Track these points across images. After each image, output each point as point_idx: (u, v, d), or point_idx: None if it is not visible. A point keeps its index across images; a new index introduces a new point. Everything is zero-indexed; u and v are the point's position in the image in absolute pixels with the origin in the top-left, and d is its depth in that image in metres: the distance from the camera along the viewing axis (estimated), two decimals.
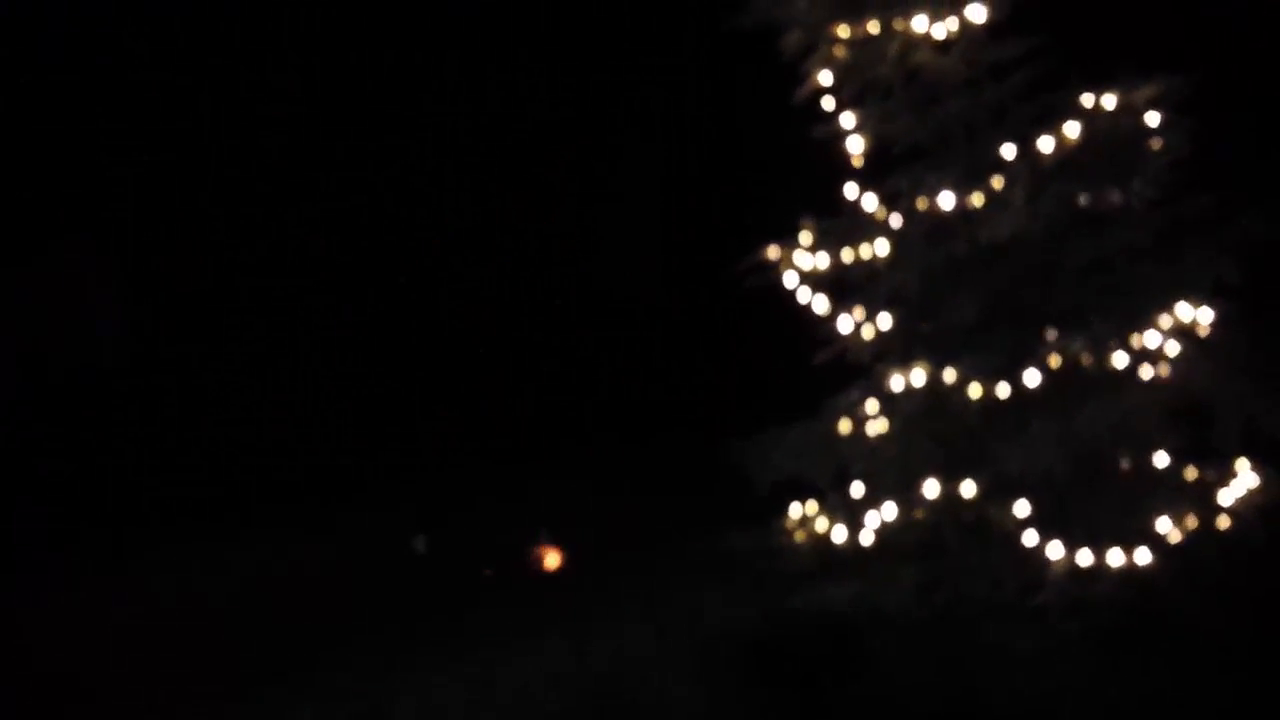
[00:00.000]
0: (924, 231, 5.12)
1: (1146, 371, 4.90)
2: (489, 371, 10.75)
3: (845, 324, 5.51)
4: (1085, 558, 4.76)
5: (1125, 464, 4.90)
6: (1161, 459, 4.97)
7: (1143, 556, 4.75)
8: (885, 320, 5.37)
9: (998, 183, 5.00)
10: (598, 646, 6.05)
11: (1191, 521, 4.86)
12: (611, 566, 7.39)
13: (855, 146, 5.40)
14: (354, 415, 10.43)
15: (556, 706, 5.35)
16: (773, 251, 5.52)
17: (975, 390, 4.85)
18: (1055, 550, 4.79)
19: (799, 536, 5.46)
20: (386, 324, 10.43)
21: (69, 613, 7.33)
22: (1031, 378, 4.77)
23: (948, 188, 5.04)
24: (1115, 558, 4.74)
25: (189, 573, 8.00)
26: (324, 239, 10.19)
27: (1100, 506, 4.85)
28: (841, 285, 5.56)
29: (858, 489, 5.34)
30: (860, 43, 5.29)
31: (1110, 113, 5.00)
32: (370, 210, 10.29)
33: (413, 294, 10.56)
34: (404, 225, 10.45)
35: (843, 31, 5.28)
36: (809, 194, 5.58)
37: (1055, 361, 4.77)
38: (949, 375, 4.88)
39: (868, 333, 5.41)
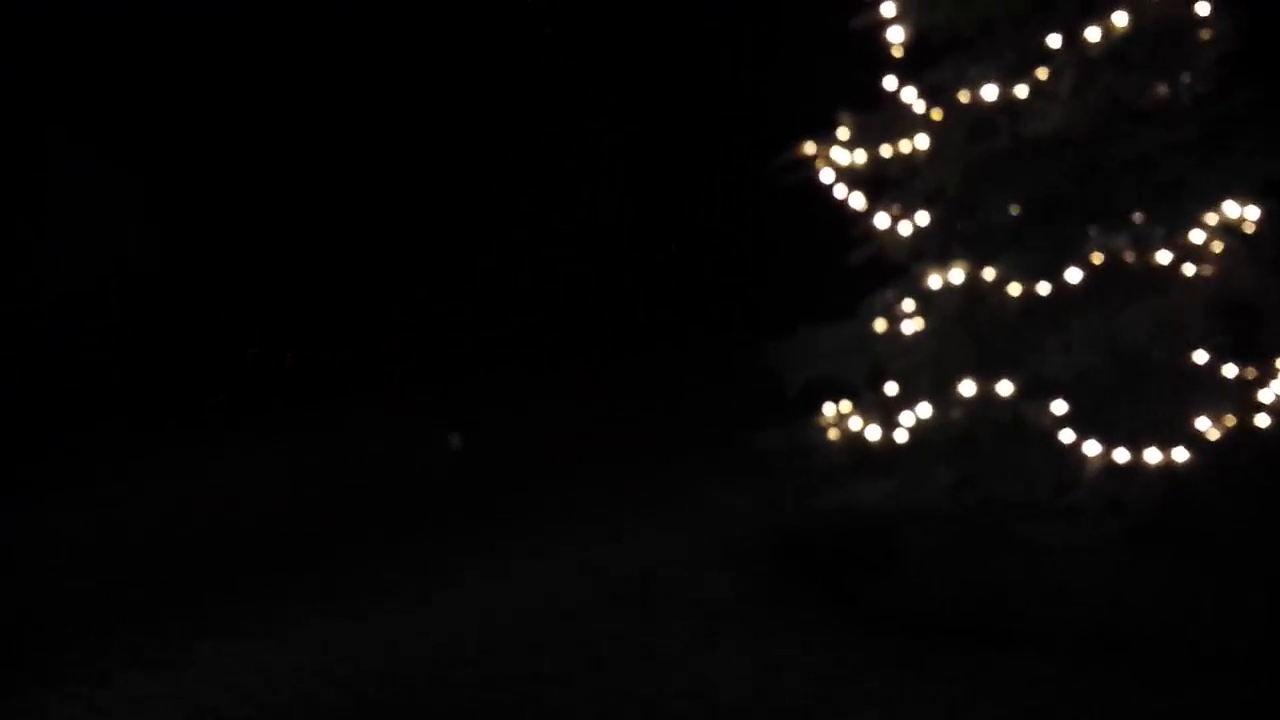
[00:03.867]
0: (965, 126, 5.00)
1: (1189, 269, 4.83)
2: (516, 273, 10.68)
3: (882, 221, 5.45)
4: (1122, 456, 4.76)
5: (1165, 362, 4.85)
6: (1201, 357, 4.94)
7: (1180, 455, 4.74)
8: (923, 217, 5.30)
9: (1043, 75, 4.88)
10: (628, 544, 6.14)
11: (1230, 420, 4.83)
12: (642, 468, 7.45)
13: (895, 37, 5.25)
14: (377, 319, 10.37)
15: (589, 603, 5.43)
16: (809, 147, 5.43)
17: (1015, 288, 4.79)
18: (1091, 448, 4.78)
19: (832, 435, 5.47)
20: (412, 229, 10.33)
21: (106, 513, 7.41)
22: (1073, 275, 4.71)
23: (991, 80, 4.92)
24: (1152, 456, 4.73)
25: (206, 476, 8.07)
26: (354, 138, 10.00)
27: (1139, 405, 4.82)
28: (879, 182, 5.48)
29: (892, 388, 5.33)
30: None
31: (1159, 2, 4.85)
32: (395, 116, 10.11)
33: (441, 193, 10.44)
34: (432, 123, 10.29)
35: None
36: (847, 87, 5.46)
37: (1098, 259, 4.70)
38: (988, 273, 4.82)
39: (904, 230, 5.34)
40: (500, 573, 5.84)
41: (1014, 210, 4.99)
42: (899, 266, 5.48)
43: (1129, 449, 4.77)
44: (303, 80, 9.68)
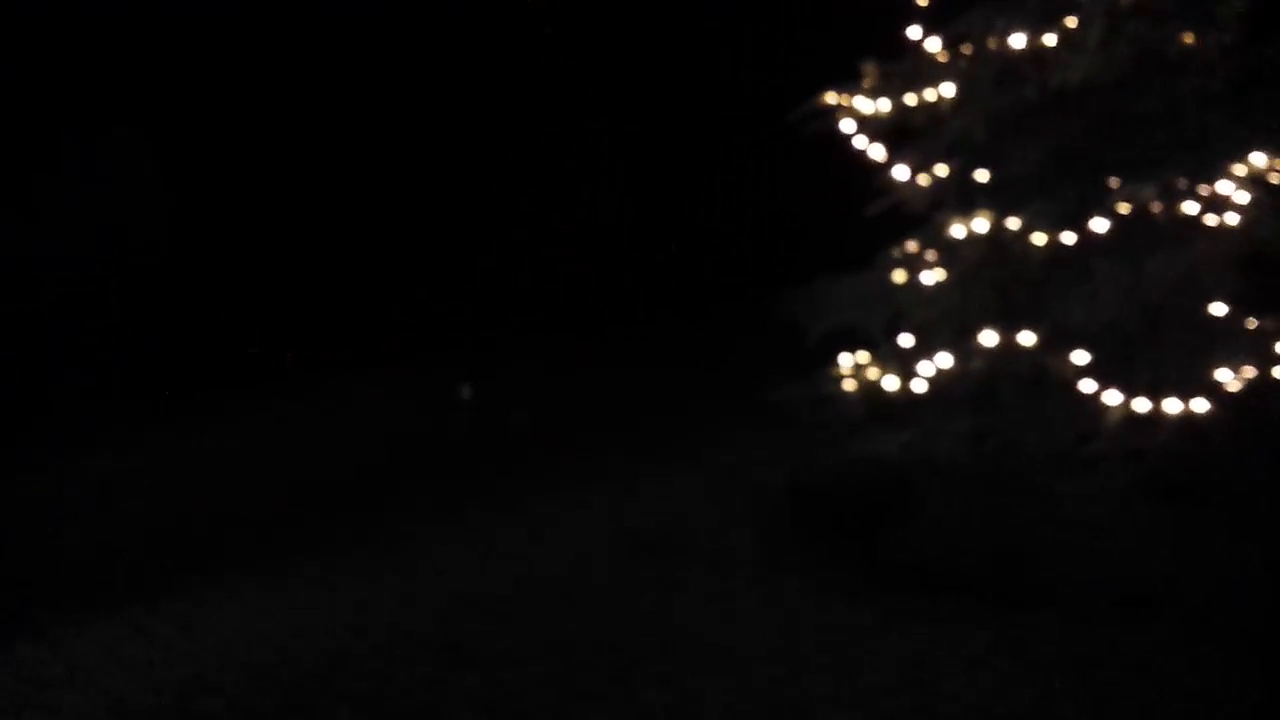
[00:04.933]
0: (992, 75, 4.97)
1: (1214, 220, 4.82)
2: (528, 231, 10.57)
3: (902, 172, 5.42)
4: (1142, 406, 4.76)
5: (1187, 313, 4.84)
6: (1223, 309, 4.93)
7: (1200, 406, 4.75)
8: (945, 168, 5.28)
9: (1071, 24, 4.84)
10: (647, 500, 6.15)
11: (1250, 372, 4.84)
12: (660, 423, 7.46)
13: None
14: (395, 281, 10.21)
15: (610, 559, 5.44)
16: (831, 96, 5.39)
17: (1039, 238, 4.77)
18: (1112, 398, 4.78)
19: (850, 386, 5.46)
20: (426, 193, 10.19)
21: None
22: (1099, 225, 4.69)
23: (1019, 29, 4.88)
24: (1172, 406, 4.73)
25: (243, 433, 8.02)
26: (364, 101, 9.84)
27: (1160, 356, 4.82)
28: (901, 132, 5.45)
29: (911, 339, 5.32)
30: None
31: None
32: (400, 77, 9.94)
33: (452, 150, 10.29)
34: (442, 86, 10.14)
35: None
36: (870, 36, 5.42)
37: (1124, 209, 4.68)
38: (1013, 223, 4.80)
39: (925, 181, 5.32)
40: (524, 530, 5.85)
41: (1039, 161, 4.94)
42: (918, 218, 5.46)
43: (1149, 399, 4.77)
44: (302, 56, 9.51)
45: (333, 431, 7.90)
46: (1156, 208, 4.68)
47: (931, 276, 5.21)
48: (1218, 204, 4.70)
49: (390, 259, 9.92)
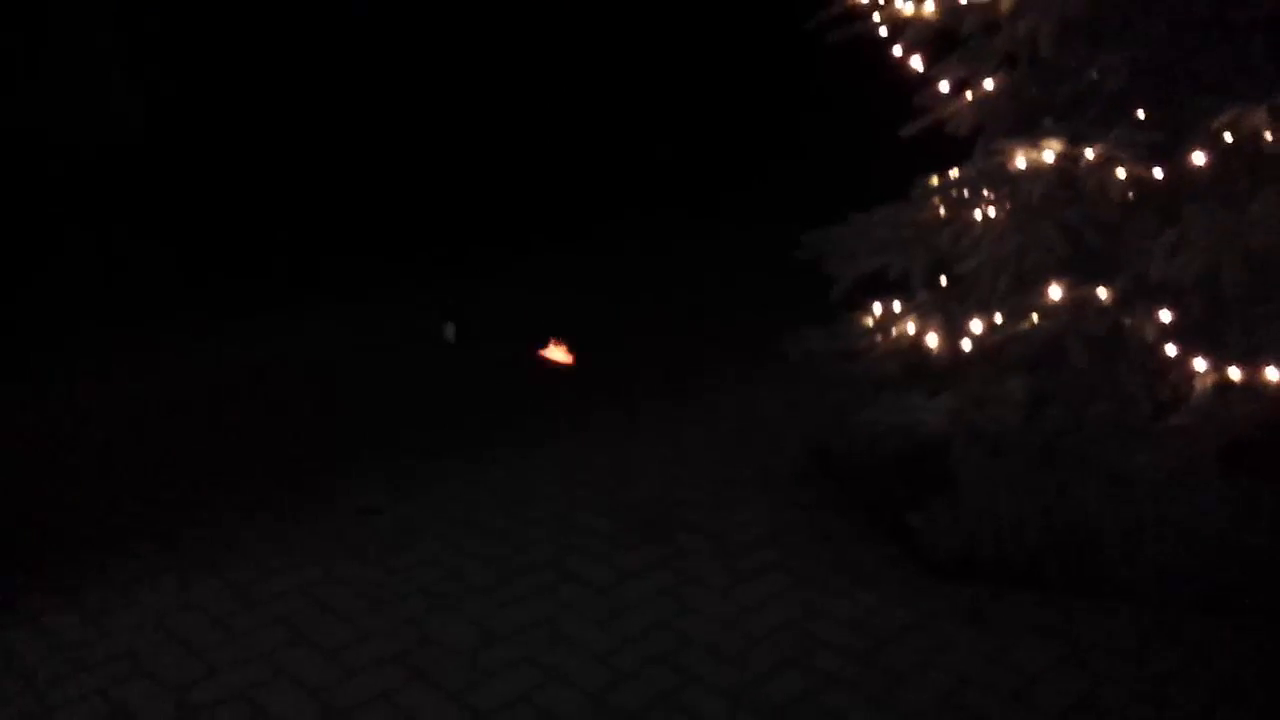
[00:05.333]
0: None
1: None
2: (538, 157, 9.70)
3: (946, 87, 4.61)
4: (1235, 374, 4.00)
5: None
6: None
7: None
8: (997, 82, 4.45)
9: None
10: (650, 470, 5.40)
11: None
12: (666, 377, 6.66)
13: None
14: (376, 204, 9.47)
15: (608, 538, 4.72)
16: None
17: (1120, 173, 3.95)
18: (1200, 365, 4.02)
19: (882, 340, 4.70)
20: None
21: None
22: (1196, 159, 3.87)
23: None
24: (1273, 375, 3.97)
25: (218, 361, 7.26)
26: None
27: (1259, 316, 4.04)
28: (946, 40, 4.61)
29: (955, 288, 4.54)
30: None
31: None
32: None
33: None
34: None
35: None
36: None
37: (1227, 139, 3.84)
38: (1089, 153, 3.97)
39: (976, 97, 4.48)
40: (505, 505, 5.09)
41: (1121, 75, 4.08)
42: (964, 143, 4.66)
43: (1244, 367, 4.01)
44: None
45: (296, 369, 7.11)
46: (1267, 136, 3.84)
47: (982, 214, 4.40)
48: None
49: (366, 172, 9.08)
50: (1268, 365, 3.98)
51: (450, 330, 7.29)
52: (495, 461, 5.47)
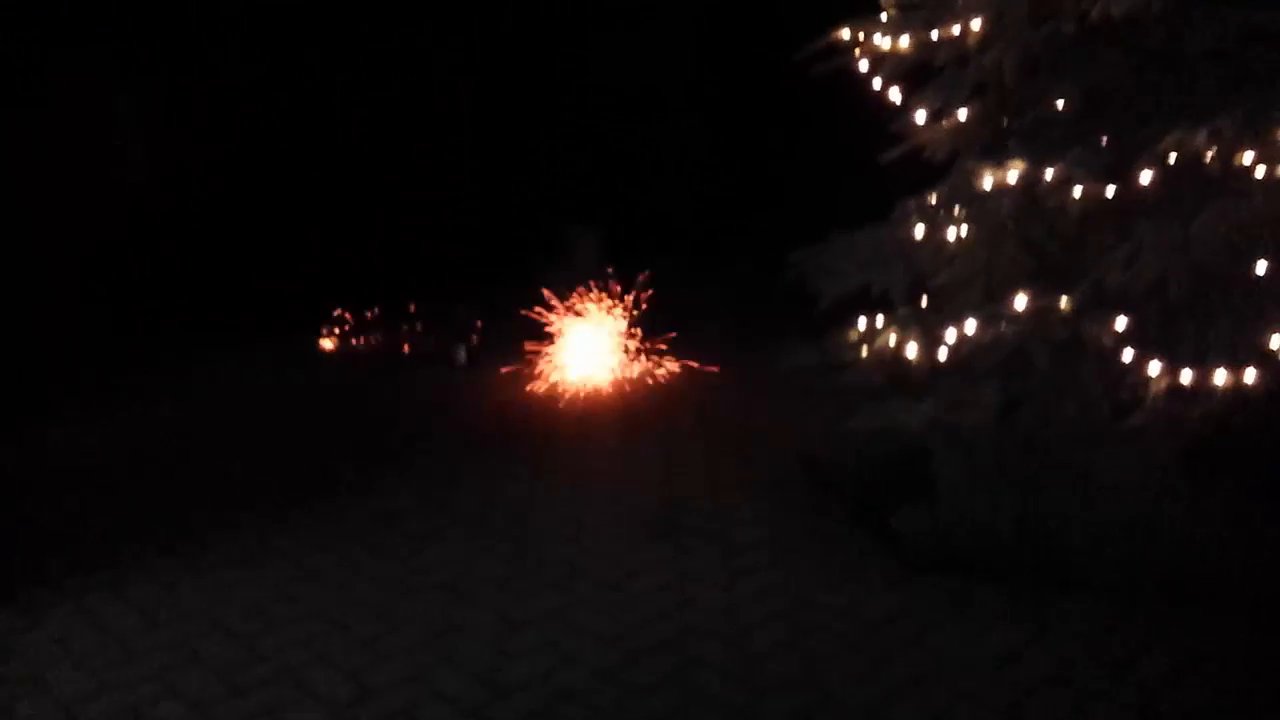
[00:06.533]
0: (1026, 6, 4.47)
1: (1261, 172, 4.35)
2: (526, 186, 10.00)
3: (922, 116, 4.96)
4: (1187, 376, 4.35)
5: (1239, 276, 4.40)
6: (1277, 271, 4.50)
7: (1250, 376, 4.33)
8: (966, 111, 4.81)
9: None
10: (651, 475, 5.75)
11: None
12: (662, 385, 7.03)
13: None
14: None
15: (613, 539, 5.06)
16: (845, 32, 4.91)
17: (1078, 190, 4.31)
18: (1154, 368, 4.37)
19: (865, 352, 5.04)
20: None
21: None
22: (1144, 177, 4.23)
23: None
24: (1220, 377, 4.32)
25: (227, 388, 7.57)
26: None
27: (1208, 322, 4.39)
28: (921, 72, 4.97)
29: (933, 301, 4.89)
30: None
31: None
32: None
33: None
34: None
35: None
36: None
37: (1173, 159, 4.21)
38: (1048, 174, 4.34)
39: (950, 124, 4.84)
40: (517, 509, 5.43)
41: (1077, 103, 4.45)
42: (939, 167, 5.01)
43: (1195, 369, 4.36)
44: None
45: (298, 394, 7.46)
46: (1207, 158, 4.21)
47: (955, 232, 4.76)
48: (1276, 154, 4.22)
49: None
50: (1217, 368, 4.34)
51: (462, 354, 7.65)
52: (508, 476, 5.82)
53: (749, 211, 10.16)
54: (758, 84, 9.38)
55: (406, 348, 7.97)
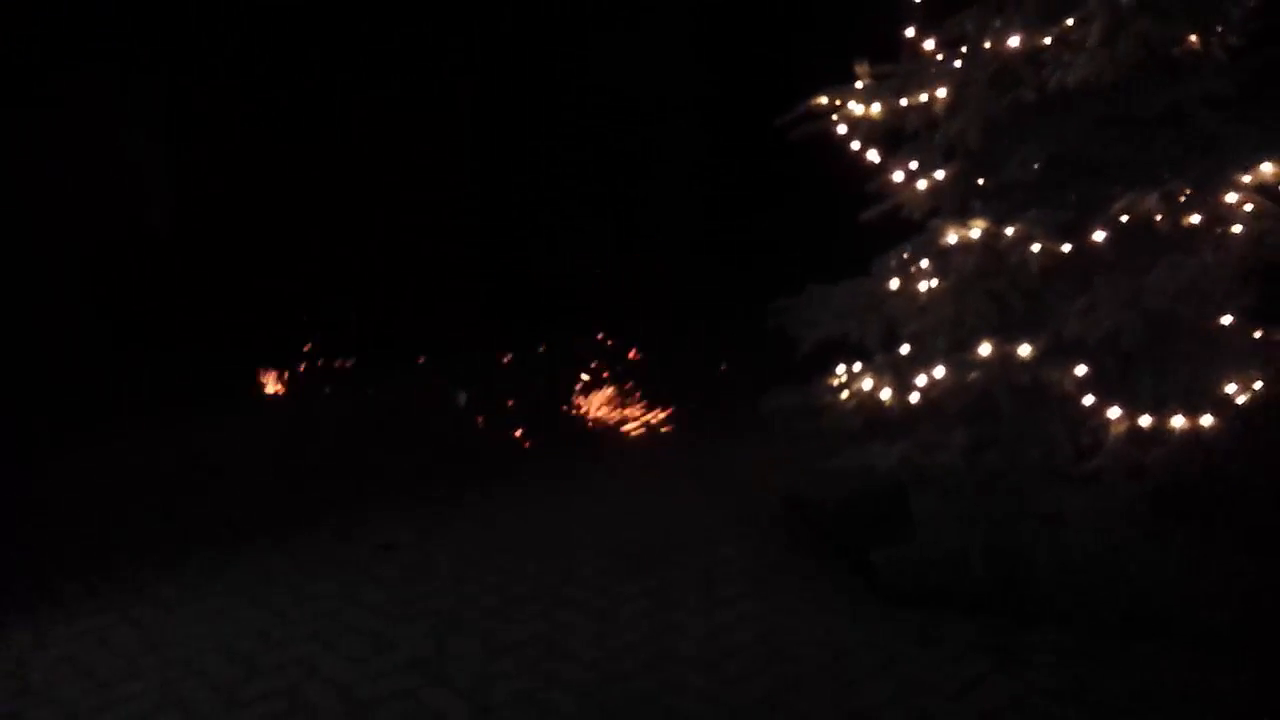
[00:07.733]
0: (988, 76, 4.80)
1: (1220, 230, 4.64)
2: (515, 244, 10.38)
3: (898, 177, 5.28)
4: (1145, 421, 4.60)
5: (1192, 325, 4.67)
6: (1228, 320, 4.78)
7: (1206, 420, 4.59)
8: (940, 173, 5.12)
9: (1070, 21, 4.66)
10: (636, 512, 5.99)
11: (1257, 384, 4.68)
12: (648, 431, 7.31)
13: None
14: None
15: (597, 572, 5.29)
16: (823, 99, 5.24)
17: (1037, 247, 4.61)
18: (1114, 413, 4.63)
19: (844, 397, 5.31)
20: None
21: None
22: (1099, 235, 4.53)
23: (1016, 30, 4.71)
24: (1177, 421, 4.58)
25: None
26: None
27: (1163, 369, 4.66)
28: (895, 136, 5.29)
29: (906, 349, 5.17)
30: None
31: None
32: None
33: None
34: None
35: None
36: (864, 36, 5.25)
37: (1125, 218, 4.51)
38: (1009, 231, 4.64)
39: (922, 185, 5.16)
40: (511, 543, 5.68)
41: (1037, 166, 4.77)
42: (914, 225, 5.31)
43: (1153, 414, 4.61)
44: None
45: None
46: (1159, 218, 4.51)
47: (926, 285, 5.05)
48: (1224, 214, 4.53)
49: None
50: (1175, 414, 4.60)
51: (463, 397, 7.96)
52: (506, 508, 6.08)
53: (742, 261, 10.47)
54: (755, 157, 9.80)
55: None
